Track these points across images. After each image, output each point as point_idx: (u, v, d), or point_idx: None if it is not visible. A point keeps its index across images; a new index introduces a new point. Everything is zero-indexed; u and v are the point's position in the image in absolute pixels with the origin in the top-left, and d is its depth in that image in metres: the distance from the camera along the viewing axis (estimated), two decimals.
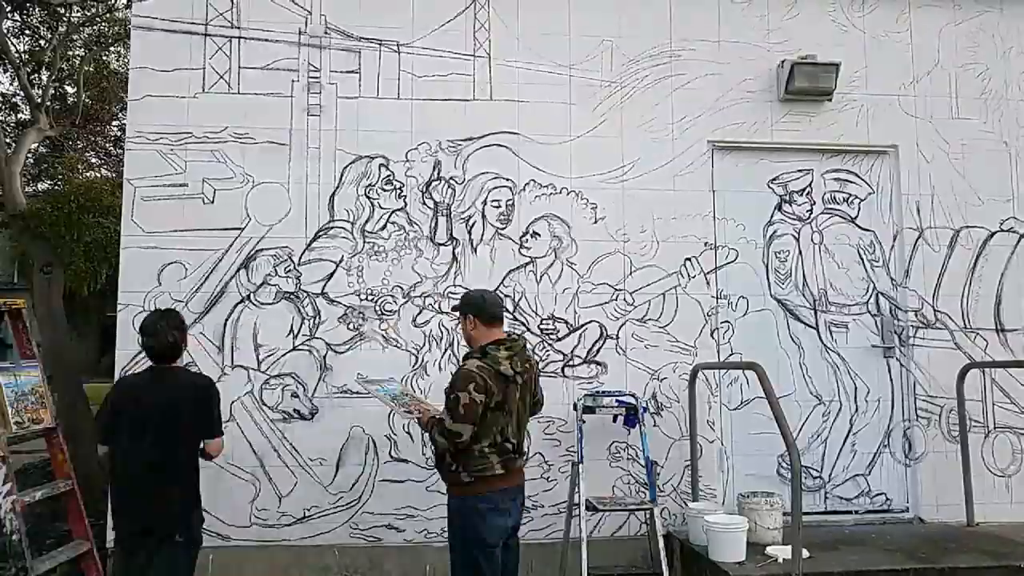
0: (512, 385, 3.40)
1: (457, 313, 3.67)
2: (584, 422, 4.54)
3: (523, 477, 3.57)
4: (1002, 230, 5.32)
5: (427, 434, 3.58)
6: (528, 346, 3.83)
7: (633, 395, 4.69)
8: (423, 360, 4.80)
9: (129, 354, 4.57)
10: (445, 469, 3.45)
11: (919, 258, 5.24)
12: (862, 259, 5.28)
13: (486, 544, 3.36)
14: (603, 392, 4.74)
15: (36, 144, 11.21)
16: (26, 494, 3.98)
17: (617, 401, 4.68)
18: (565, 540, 4.52)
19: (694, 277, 5.04)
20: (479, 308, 3.51)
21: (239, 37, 4.90)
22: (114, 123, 13.32)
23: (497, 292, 3.92)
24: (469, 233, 4.93)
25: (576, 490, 4.39)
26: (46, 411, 4.17)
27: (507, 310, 4.86)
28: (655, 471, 4.67)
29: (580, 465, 4.40)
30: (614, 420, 4.73)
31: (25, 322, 4.30)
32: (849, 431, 5.13)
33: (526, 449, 3.72)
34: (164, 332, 3.54)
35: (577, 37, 5.12)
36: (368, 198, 4.88)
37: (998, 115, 5.40)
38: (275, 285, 4.75)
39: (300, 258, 4.79)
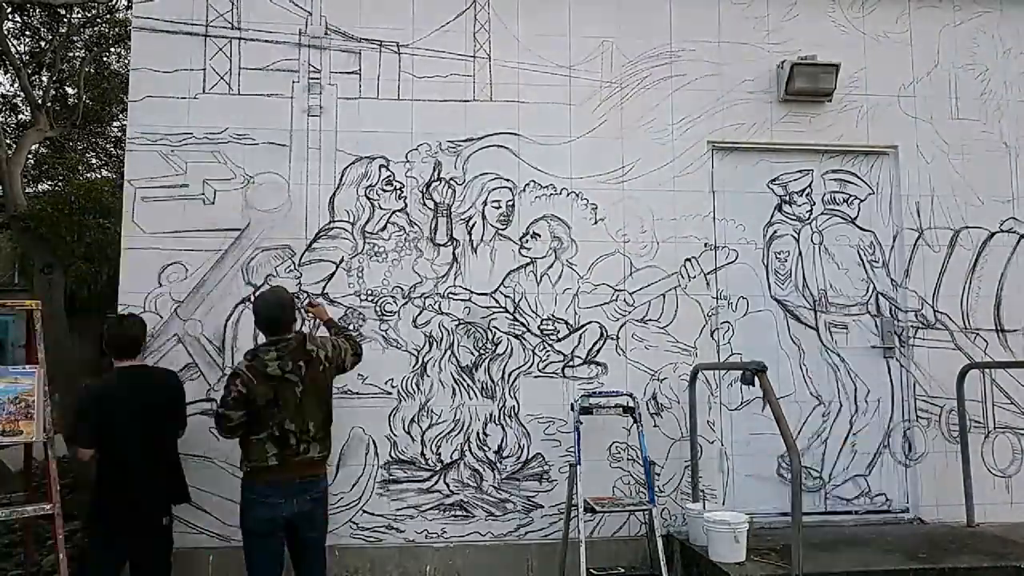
0: (284, 383, 3.66)
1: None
2: (581, 423, 4.53)
3: (312, 469, 3.77)
4: (1002, 231, 5.33)
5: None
6: (314, 337, 3.88)
7: (631, 395, 4.69)
8: (423, 361, 4.81)
9: None
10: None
11: (919, 259, 5.25)
12: (862, 260, 5.28)
13: (252, 533, 3.70)
14: (600, 392, 4.74)
15: (37, 145, 11.22)
16: None
17: (615, 402, 4.68)
18: (564, 541, 4.52)
19: (694, 278, 5.04)
20: (255, 316, 3.85)
21: (239, 38, 4.91)
22: (115, 124, 13.33)
23: (279, 295, 3.84)
24: (469, 234, 4.93)
25: (574, 491, 4.39)
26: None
27: (507, 312, 4.87)
28: (653, 472, 4.67)
29: (578, 467, 4.40)
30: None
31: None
32: (849, 431, 5.13)
33: (324, 450, 3.84)
34: (131, 325, 4.08)
35: (577, 38, 5.13)
36: (368, 199, 4.89)
37: (998, 116, 5.41)
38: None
39: (300, 258, 4.79)
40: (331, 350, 3.88)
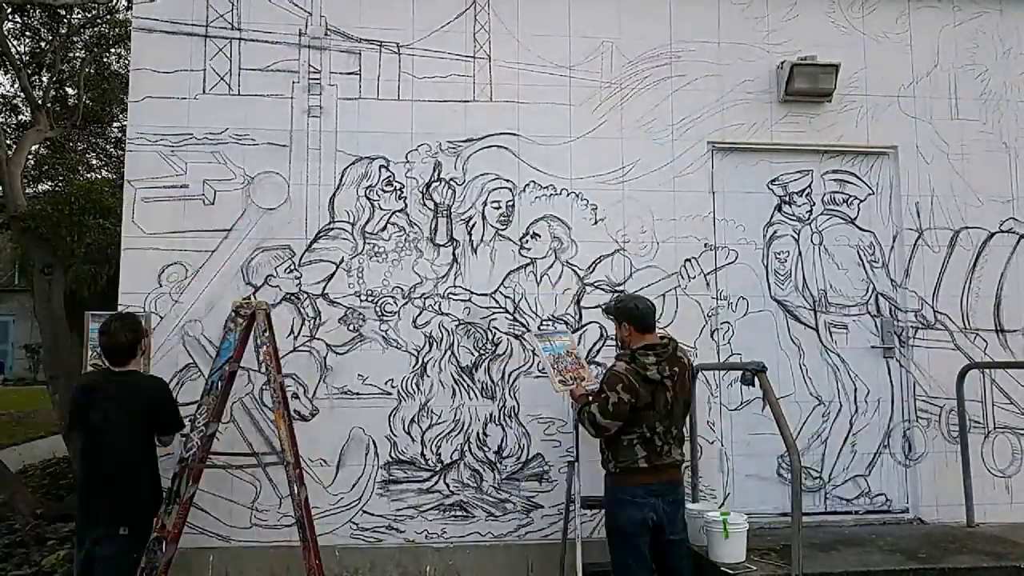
0: (659, 388, 3.75)
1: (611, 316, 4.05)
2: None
3: (673, 474, 3.87)
4: (1001, 231, 5.33)
5: (576, 411, 4.01)
6: (680, 346, 3.98)
7: None
8: (423, 361, 4.81)
9: None
10: (602, 458, 3.92)
11: (919, 259, 5.25)
12: (862, 260, 5.28)
13: (623, 534, 3.75)
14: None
15: (37, 145, 11.21)
16: None
17: None
18: (563, 539, 4.52)
19: (694, 278, 5.04)
20: (632, 317, 3.90)
21: (239, 39, 4.92)
22: (115, 124, 13.32)
23: (647, 299, 4.08)
24: (469, 234, 4.93)
25: (573, 488, 4.39)
26: None
27: (507, 312, 4.88)
28: None
29: (576, 464, 4.41)
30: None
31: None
32: (849, 432, 5.13)
33: (683, 453, 3.94)
34: (119, 332, 3.82)
35: (577, 38, 5.13)
36: (368, 199, 4.89)
37: (998, 116, 5.41)
38: (276, 286, 4.76)
39: (300, 259, 4.79)
40: (689, 359, 4.01)
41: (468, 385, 4.83)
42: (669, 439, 3.81)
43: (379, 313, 4.80)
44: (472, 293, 4.88)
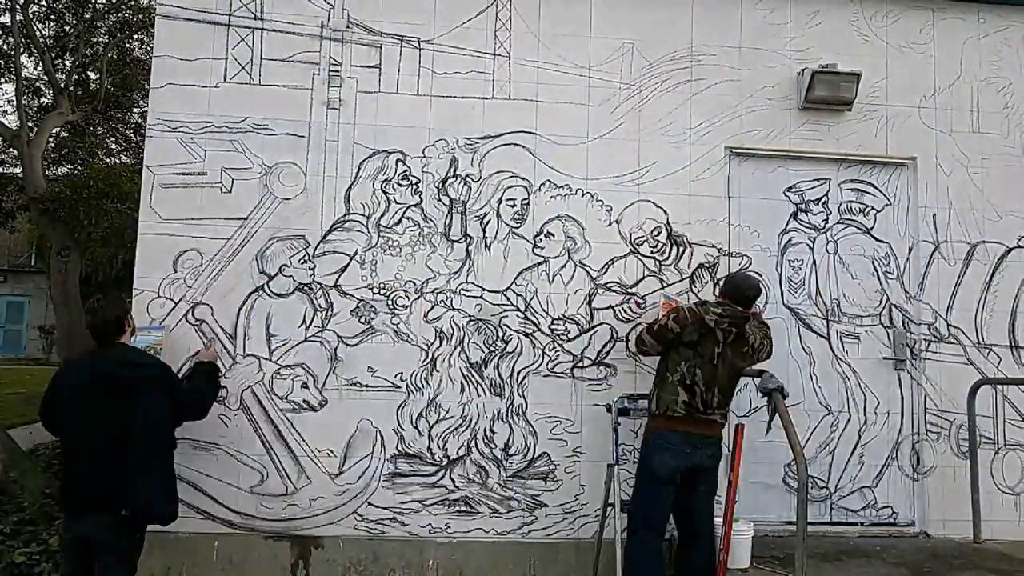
0: (710, 335, 3.98)
1: None
2: (619, 424, 4.53)
3: (711, 430, 4.03)
4: (1019, 246, 5.28)
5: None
6: (758, 325, 4.22)
7: None
8: (433, 356, 4.82)
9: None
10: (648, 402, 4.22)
11: (934, 271, 5.21)
12: (876, 271, 5.25)
13: (655, 477, 3.95)
14: (638, 395, 4.65)
15: (58, 128, 11.31)
16: None
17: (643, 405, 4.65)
18: (599, 540, 4.54)
19: (707, 283, 5.03)
20: (728, 287, 4.25)
21: (261, 28, 4.94)
22: (135, 110, 13.42)
23: (752, 279, 4.33)
24: (483, 231, 4.94)
25: (611, 491, 4.39)
26: None
27: (519, 310, 4.88)
28: None
29: (616, 467, 4.41)
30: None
31: None
32: (857, 443, 5.11)
33: (724, 417, 4.12)
34: (104, 309, 3.76)
35: (597, 39, 5.12)
36: (384, 193, 4.90)
37: (1019, 130, 5.36)
38: (289, 276, 4.78)
39: (315, 250, 4.81)
40: (759, 341, 4.17)
41: (477, 381, 4.84)
42: (712, 396, 3.95)
43: (391, 306, 4.82)
44: (484, 290, 4.89)
